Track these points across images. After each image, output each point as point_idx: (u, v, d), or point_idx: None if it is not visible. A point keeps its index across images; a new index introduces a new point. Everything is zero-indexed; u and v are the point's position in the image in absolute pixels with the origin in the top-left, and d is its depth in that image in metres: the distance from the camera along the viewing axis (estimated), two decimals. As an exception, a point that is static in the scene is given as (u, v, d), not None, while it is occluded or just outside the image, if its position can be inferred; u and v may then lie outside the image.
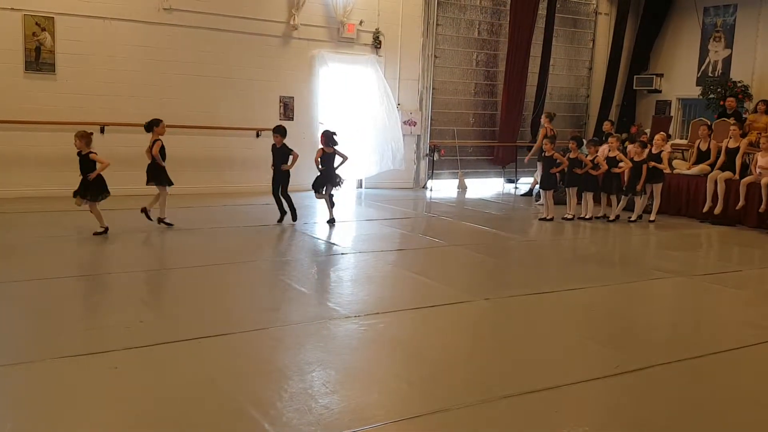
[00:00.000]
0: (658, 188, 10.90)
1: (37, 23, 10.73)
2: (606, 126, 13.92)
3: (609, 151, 10.81)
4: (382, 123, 13.90)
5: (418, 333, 5.23)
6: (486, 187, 15.27)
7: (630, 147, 11.04)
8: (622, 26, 16.51)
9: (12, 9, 10.49)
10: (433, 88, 14.82)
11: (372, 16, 13.75)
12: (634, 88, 16.67)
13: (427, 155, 14.82)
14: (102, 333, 4.87)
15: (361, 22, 13.56)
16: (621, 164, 10.62)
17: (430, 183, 14.65)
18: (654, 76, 16.33)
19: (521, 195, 14.37)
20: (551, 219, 10.38)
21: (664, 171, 11.10)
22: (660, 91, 16.40)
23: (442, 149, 14.82)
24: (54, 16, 10.81)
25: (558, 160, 10.51)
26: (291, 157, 9.34)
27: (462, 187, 14.78)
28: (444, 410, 3.78)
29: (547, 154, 10.54)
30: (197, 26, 11.94)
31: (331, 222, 9.53)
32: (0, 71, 10.49)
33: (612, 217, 10.72)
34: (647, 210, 11.04)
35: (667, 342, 5.35)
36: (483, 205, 12.39)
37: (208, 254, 7.68)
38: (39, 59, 10.81)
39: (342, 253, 8.03)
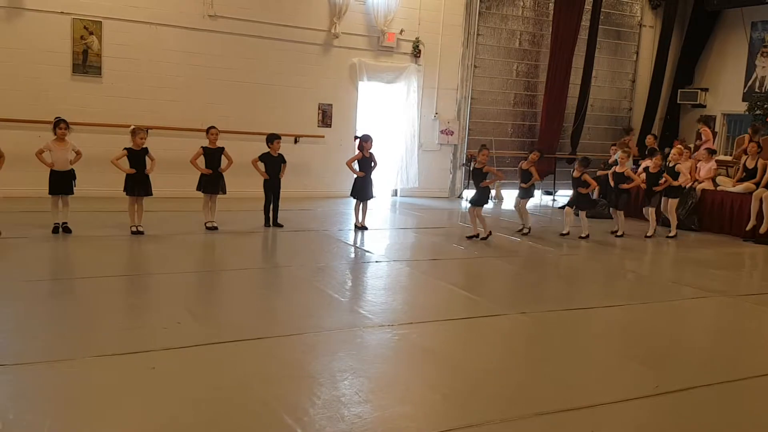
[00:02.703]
0: (673, 204, 10.69)
1: (85, 27, 11.02)
2: (649, 140, 13.68)
3: (617, 166, 10.51)
4: (407, 136, 13.97)
5: (452, 344, 5.19)
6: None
7: (647, 161, 10.81)
8: (667, 39, 16.23)
9: (62, 13, 10.80)
10: (471, 98, 14.77)
11: (412, 25, 13.78)
12: (678, 102, 16.36)
13: (463, 165, 14.75)
14: (141, 333, 4.94)
15: (401, 31, 13.60)
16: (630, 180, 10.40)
17: (465, 193, 14.56)
18: (698, 91, 16.01)
19: (559, 207, 14.17)
20: (586, 237, 10.11)
21: (682, 185, 10.92)
22: (704, 106, 16.07)
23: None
24: (102, 20, 11.09)
25: (586, 181, 10.15)
26: (284, 166, 9.51)
27: (498, 198, 14.65)
28: (479, 424, 3.72)
29: (575, 175, 10.24)
30: (240, 33, 12.12)
31: (364, 228, 9.60)
32: (48, 73, 10.80)
33: (620, 233, 10.37)
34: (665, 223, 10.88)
35: (707, 363, 5.20)
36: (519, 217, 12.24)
37: (244, 258, 7.78)
38: (86, 62, 11.10)
39: (376, 261, 8.02)
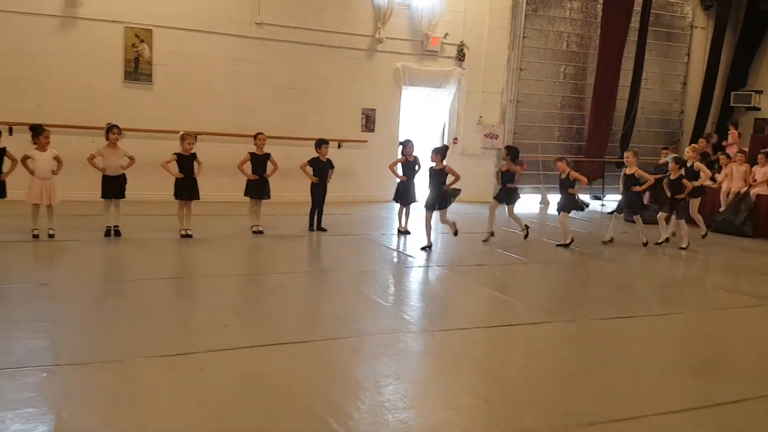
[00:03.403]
0: (695, 203, 10.34)
1: (136, 35, 11.33)
2: (700, 143, 13.30)
3: (627, 168, 9.89)
4: (449, 139, 13.95)
5: (496, 352, 5.13)
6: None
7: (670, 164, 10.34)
8: (720, 40, 15.80)
9: (114, 21, 11.13)
10: (517, 101, 14.62)
11: (457, 29, 13.74)
12: (731, 104, 15.88)
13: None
14: (189, 335, 5.04)
15: (446, 35, 13.58)
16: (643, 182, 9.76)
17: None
18: (753, 93, 15.51)
19: (608, 212, 13.88)
20: (645, 244, 9.83)
21: (700, 186, 10.39)
22: (759, 109, 15.55)
23: (525, 163, 14.54)
24: (152, 28, 11.38)
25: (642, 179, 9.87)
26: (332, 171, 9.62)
27: (545, 203, 14.46)
28: (523, 433, 3.68)
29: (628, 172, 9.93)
30: (286, 40, 12.29)
31: (407, 233, 9.62)
32: (101, 80, 11.13)
33: (684, 245, 9.83)
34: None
35: (759, 374, 5.01)
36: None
37: (289, 261, 7.87)
38: (137, 69, 11.40)
39: (419, 266, 8.00)
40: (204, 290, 6.50)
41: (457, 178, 8.76)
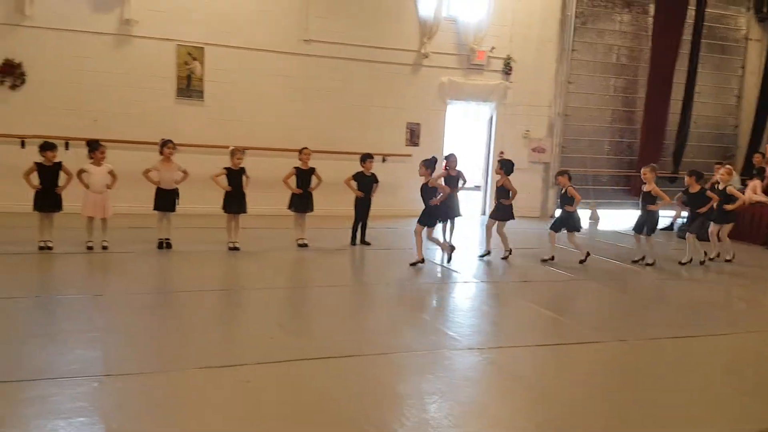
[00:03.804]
0: (726, 229, 9.73)
1: (189, 53, 11.63)
2: (756, 159, 12.89)
3: (645, 184, 9.27)
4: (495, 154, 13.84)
5: (544, 371, 5.01)
6: (621, 219, 14.52)
7: (755, 180, 9.92)
8: (776, 52, 15.30)
9: (167, 39, 11.45)
10: (565, 115, 14.43)
11: (503, 42, 13.66)
12: (789, 118, 15.32)
13: (556, 184, 14.38)
14: (236, 346, 5.10)
15: (492, 49, 13.51)
16: (658, 201, 9.09)
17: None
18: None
19: (661, 229, 13.51)
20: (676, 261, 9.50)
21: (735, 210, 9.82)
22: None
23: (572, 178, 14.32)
24: (204, 46, 11.66)
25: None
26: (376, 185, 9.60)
27: (594, 219, 14.17)
28: (572, 456, 3.57)
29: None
30: (333, 56, 12.43)
31: (451, 247, 9.39)
32: (155, 97, 11.45)
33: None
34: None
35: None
36: (617, 238, 11.78)
37: (333, 275, 7.89)
38: (189, 86, 11.69)
39: (464, 282, 7.92)
40: (250, 302, 6.57)
41: (445, 194, 8.39)
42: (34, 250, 7.90)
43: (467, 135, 13.88)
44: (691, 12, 14.70)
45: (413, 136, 13.30)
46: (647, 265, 9.23)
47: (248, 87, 11.97)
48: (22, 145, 10.44)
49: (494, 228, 9.24)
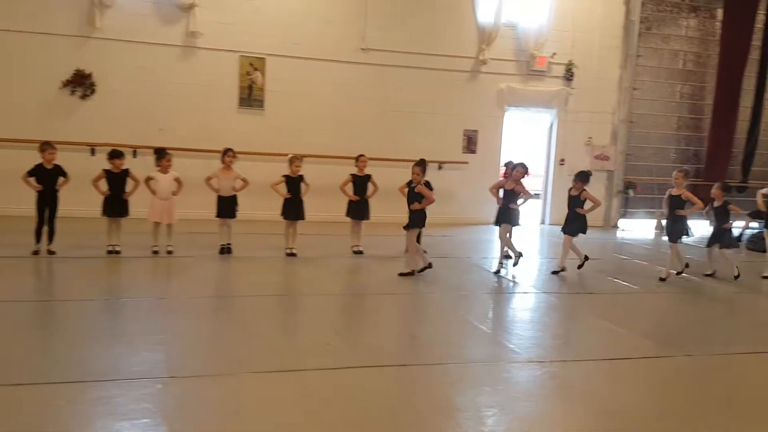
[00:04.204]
0: None
1: (251, 63, 11.88)
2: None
3: (674, 188, 8.84)
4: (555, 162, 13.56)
5: (607, 386, 4.85)
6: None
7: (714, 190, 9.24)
8: None
9: (230, 51, 11.73)
10: (630, 122, 14.05)
11: (565, 48, 13.44)
12: None
13: (620, 192, 14.02)
14: (293, 352, 5.14)
15: (553, 55, 13.31)
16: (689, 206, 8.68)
17: (621, 222, 13.80)
18: None
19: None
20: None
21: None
22: None
23: (638, 186, 13.94)
24: (265, 56, 11.91)
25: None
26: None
27: (659, 229, 13.71)
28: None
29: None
30: (390, 64, 12.49)
31: (508, 257, 9.20)
32: (218, 106, 11.76)
33: (678, 270, 8.93)
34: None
35: None
36: (683, 249, 11.35)
37: (387, 282, 7.84)
38: (251, 96, 11.94)
39: (523, 292, 7.78)
40: (307, 308, 6.63)
41: (429, 200, 8.01)
42: (102, 254, 8.19)
43: (526, 142, 13.67)
44: (760, 17, 14.13)
45: (470, 143, 13.20)
46: (735, 277, 8.90)
47: (307, 96, 12.15)
48: (92, 152, 10.88)
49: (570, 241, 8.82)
